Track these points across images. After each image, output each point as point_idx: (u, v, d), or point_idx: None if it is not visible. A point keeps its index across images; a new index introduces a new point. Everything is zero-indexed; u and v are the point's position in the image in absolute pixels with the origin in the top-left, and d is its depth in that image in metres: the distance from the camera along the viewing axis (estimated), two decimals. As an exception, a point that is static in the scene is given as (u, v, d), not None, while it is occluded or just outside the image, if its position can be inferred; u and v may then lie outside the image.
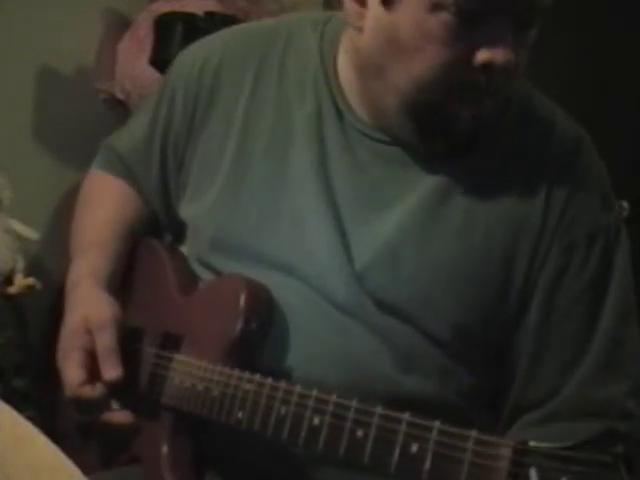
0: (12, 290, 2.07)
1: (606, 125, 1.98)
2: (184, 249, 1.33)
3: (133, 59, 2.33)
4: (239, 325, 1.10)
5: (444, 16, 1.00)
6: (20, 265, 2.10)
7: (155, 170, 1.31)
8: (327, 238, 1.12)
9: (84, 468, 0.90)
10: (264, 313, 1.12)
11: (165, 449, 1.13)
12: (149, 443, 1.15)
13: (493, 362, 1.14)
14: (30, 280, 2.08)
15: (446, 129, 1.08)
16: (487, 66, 1.00)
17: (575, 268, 1.11)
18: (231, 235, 1.18)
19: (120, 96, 2.39)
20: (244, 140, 1.20)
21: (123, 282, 1.30)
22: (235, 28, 1.34)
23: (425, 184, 1.12)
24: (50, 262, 2.30)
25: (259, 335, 1.11)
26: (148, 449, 1.15)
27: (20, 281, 2.08)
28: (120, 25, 2.44)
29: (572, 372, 1.09)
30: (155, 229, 1.37)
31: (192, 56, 1.29)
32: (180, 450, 1.14)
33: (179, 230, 1.33)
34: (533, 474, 0.76)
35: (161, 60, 2.13)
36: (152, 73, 2.20)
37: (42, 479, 0.87)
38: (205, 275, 1.22)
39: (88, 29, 2.42)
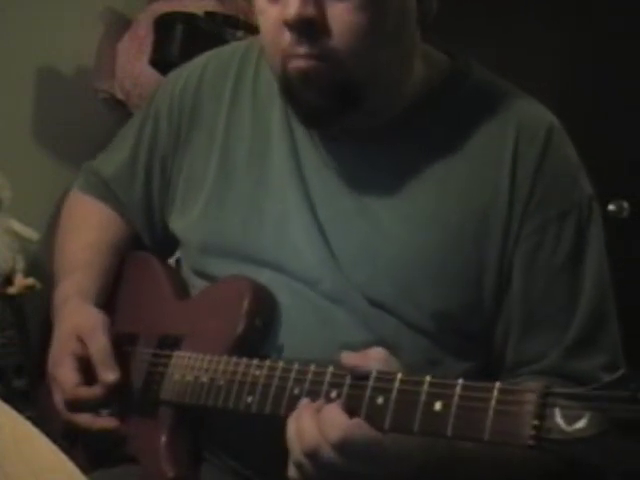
0: (12, 290, 2.07)
1: (606, 126, 1.98)
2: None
3: (133, 59, 2.33)
4: (243, 323, 1.12)
5: None
6: (20, 265, 2.10)
7: (139, 189, 1.34)
8: (307, 235, 1.15)
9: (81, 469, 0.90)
10: (267, 313, 1.14)
11: (164, 439, 1.14)
12: (146, 439, 1.16)
13: (482, 351, 1.15)
14: (30, 280, 2.08)
15: (294, 98, 1.10)
16: (285, 24, 1.05)
17: (549, 245, 1.12)
18: (219, 239, 1.21)
19: (120, 96, 2.39)
20: (226, 150, 1.24)
21: (113, 293, 1.32)
22: (217, 49, 1.37)
23: (389, 174, 1.14)
24: (50, 262, 2.30)
25: (261, 334, 1.13)
26: (145, 445, 1.16)
27: (20, 281, 2.08)
28: (120, 25, 2.44)
29: (554, 347, 1.12)
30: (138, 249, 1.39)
31: (175, 77, 1.34)
32: (179, 442, 1.15)
33: (162, 249, 1.37)
34: (557, 413, 0.80)
35: (161, 60, 2.13)
36: (152, 73, 2.20)
37: (42, 479, 0.87)
38: (200, 284, 1.24)
39: (88, 29, 2.43)
